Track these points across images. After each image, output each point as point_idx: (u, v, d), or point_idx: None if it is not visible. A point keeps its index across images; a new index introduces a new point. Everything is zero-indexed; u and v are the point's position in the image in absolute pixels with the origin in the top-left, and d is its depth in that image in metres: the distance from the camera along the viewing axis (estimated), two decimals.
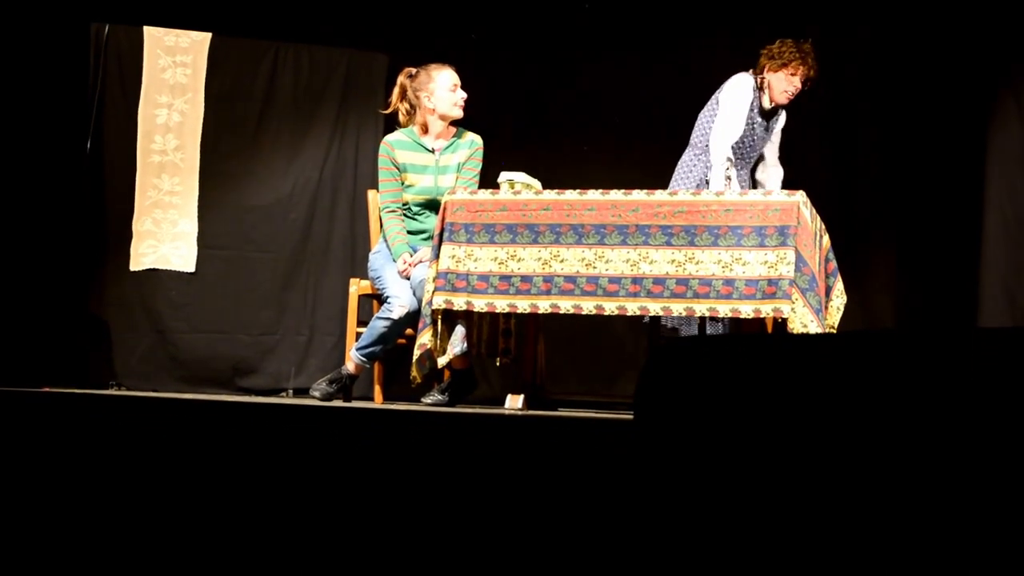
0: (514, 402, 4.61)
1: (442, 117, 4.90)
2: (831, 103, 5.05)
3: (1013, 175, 5.52)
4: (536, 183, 4.58)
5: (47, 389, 4.75)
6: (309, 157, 6.05)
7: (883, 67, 5.91)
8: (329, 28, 6.25)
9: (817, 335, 3.89)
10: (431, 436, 2.92)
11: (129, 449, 2.92)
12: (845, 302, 4.59)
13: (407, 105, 4.94)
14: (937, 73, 5.78)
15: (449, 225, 4.42)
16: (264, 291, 5.92)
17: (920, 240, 5.82)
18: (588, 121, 6.24)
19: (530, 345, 4.79)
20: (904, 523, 1.49)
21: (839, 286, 4.57)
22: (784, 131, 5.16)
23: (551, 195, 4.40)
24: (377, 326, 4.72)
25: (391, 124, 5.15)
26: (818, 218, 4.41)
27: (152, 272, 5.79)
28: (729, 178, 4.81)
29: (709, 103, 5.02)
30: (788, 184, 5.04)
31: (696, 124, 5.05)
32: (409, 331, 4.78)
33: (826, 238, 4.55)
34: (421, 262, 4.71)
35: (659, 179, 4.93)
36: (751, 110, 4.95)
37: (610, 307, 4.23)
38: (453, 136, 4.95)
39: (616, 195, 4.32)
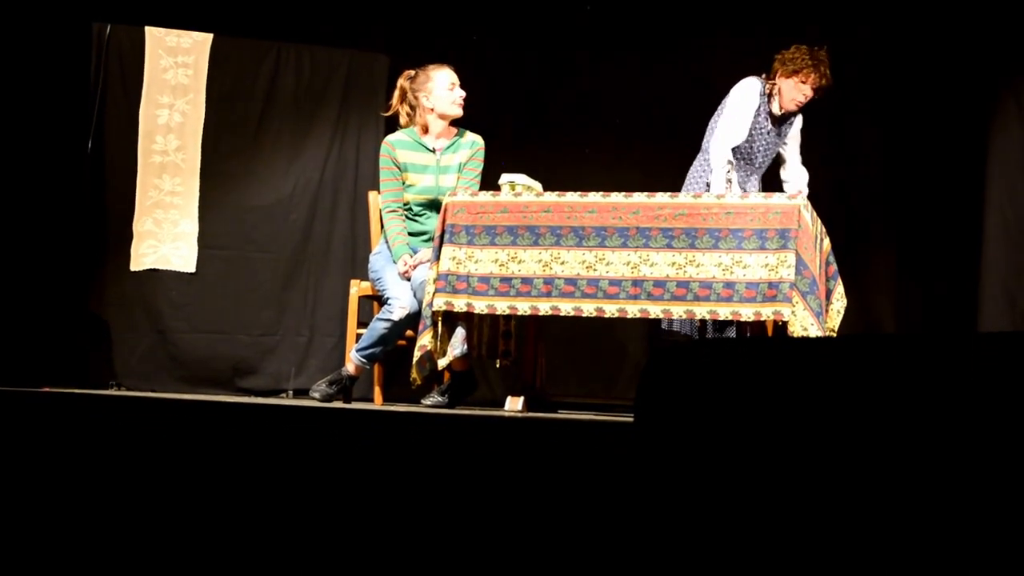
0: (514, 404, 4.61)
1: (441, 116, 4.90)
2: (831, 103, 5.04)
3: (1014, 177, 5.52)
4: (537, 185, 4.58)
5: (47, 389, 4.75)
6: (310, 158, 6.05)
7: (883, 67, 5.91)
8: (330, 29, 6.25)
9: (817, 338, 3.89)
10: (431, 438, 2.92)
11: (129, 449, 2.92)
12: (845, 305, 4.58)
13: (408, 107, 4.95)
14: (938, 74, 5.78)
15: (450, 227, 4.42)
16: (264, 292, 5.93)
17: (920, 242, 5.82)
18: (588, 121, 6.24)
19: (530, 347, 4.79)
20: (903, 526, 1.49)
21: (839, 289, 4.57)
22: None
23: (552, 197, 4.40)
24: (377, 327, 4.72)
25: (392, 125, 5.15)
26: (819, 221, 4.40)
27: (152, 272, 5.79)
28: (730, 181, 4.80)
29: (719, 108, 4.99)
30: (767, 188, 5.04)
31: (707, 130, 5.02)
32: (409, 333, 4.78)
33: (827, 241, 4.55)
34: (421, 263, 4.71)
35: (659, 180, 4.92)
36: (757, 115, 4.90)
37: (610, 309, 4.23)
38: (454, 136, 4.95)
39: (617, 197, 4.31)
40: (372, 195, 5.19)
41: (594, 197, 4.34)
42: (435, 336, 4.43)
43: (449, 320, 4.48)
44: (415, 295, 4.67)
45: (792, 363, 1.65)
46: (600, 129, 6.22)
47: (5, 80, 5.63)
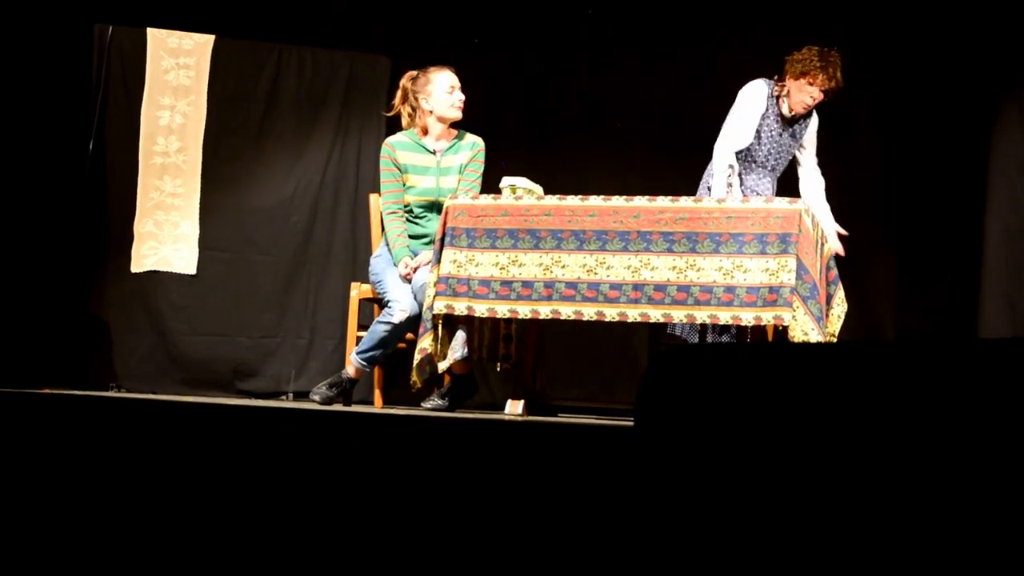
0: (514, 407, 4.61)
1: (440, 119, 4.91)
2: (831, 106, 5.03)
3: (1015, 181, 5.52)
4: (538, 189, 4.58)
5: (47, 390, 4.75)
6: (311, 160, 6.05)
7: (884, 70, 5.90)
8: (332, 30, 6.25)
9: (818, 344, 3.89)
10: (431, 441, 2.92)
11: (129, 451, 2.92)
12: (846, 310, 4.58)
13: (409, 108, 4.95)
14: (939, 78, 5.78)
15: (451, 230, 4.42)
16: (265, 294, 5.93)
17: (921, 246, 5.82)
18: (589, 123, 6.24)
19: (531, 350, 4.79)
20: (903, 531, 1.49)
21: (840, 294, 4.56)
22: None
23: (553, 200, 4.40)
24: (378, 330, 4.72)
25: (393, 127, 5.15)
26: (819, 226, 4.40)
27: (153, 274, 5.79)
28: (731, 185, 4.79)
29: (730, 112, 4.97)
30: (785, 190, 5.03)
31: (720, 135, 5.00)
32: (410, 335, 4.78)
33: (827, 246, 4.55)
34: (422, 266, 4.71)
35: (659, 181, 4.92)
36: (765, 118, 4.88)
37: (611, 313, 4.23)
38: (454, 138, 4.95)
39: (618, 201, 4.31)
40: (373, 197, 5.19)
41: (595, 201, 4.34)
42: (435, 339, 4.43)
43: (450, 323, 4.48)
44: (416, 298, 4.67)
45: (792, 368, 1.65)
46: (601, 130, 6.22)
47: (7, 81, 5.64)
